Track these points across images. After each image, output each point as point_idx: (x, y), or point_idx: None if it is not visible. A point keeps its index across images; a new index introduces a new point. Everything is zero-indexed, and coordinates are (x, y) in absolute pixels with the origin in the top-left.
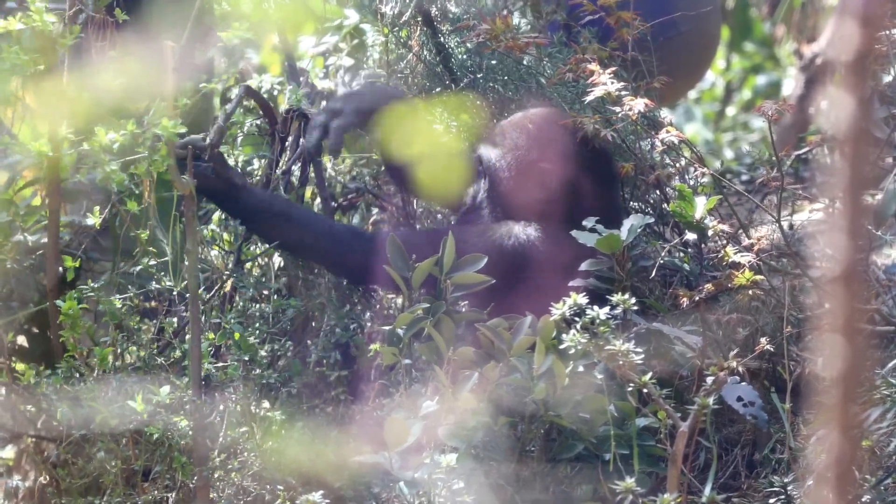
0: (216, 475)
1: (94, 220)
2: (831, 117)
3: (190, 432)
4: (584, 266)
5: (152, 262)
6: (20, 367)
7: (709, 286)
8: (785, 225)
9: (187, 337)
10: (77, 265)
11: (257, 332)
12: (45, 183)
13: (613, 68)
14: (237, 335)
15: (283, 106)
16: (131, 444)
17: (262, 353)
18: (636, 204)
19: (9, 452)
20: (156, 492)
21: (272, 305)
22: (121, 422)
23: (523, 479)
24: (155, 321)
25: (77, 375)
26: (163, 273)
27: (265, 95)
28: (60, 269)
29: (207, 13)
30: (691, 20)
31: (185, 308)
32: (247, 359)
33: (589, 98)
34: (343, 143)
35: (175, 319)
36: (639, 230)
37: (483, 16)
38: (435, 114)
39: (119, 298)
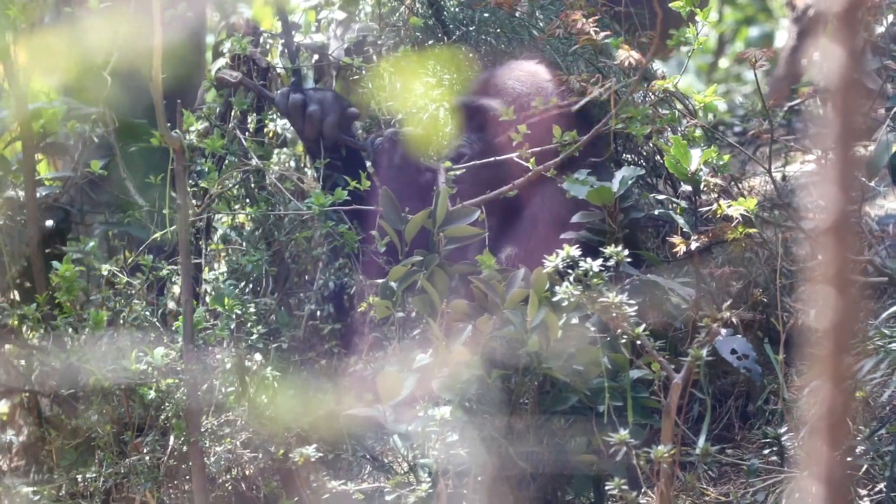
0: (208, 439)
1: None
2: (823, 69)
3: (183, 392)
4: (575, 218)
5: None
6: (14, 321)
7: (703, 237)
8: (778, 176)
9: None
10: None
11: (246, 287)
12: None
13: (596, 16)
14: (226, 295)
15: (275, 60)
16: (125, 401)
17: (252, 308)
18: (629, 156)
19: (2, 407)
20: (147, 456)
21: (254, 263)
22: (113, 381)
23: (517, 432)
24: (146, 276)
25: (70, 332)
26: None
27: (258, 50)
28: (50, 222)
29: None
30: None
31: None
32: (237, 313)
33: (573, 48)
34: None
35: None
36: (630, 182)
37: None
38: (427, 67)
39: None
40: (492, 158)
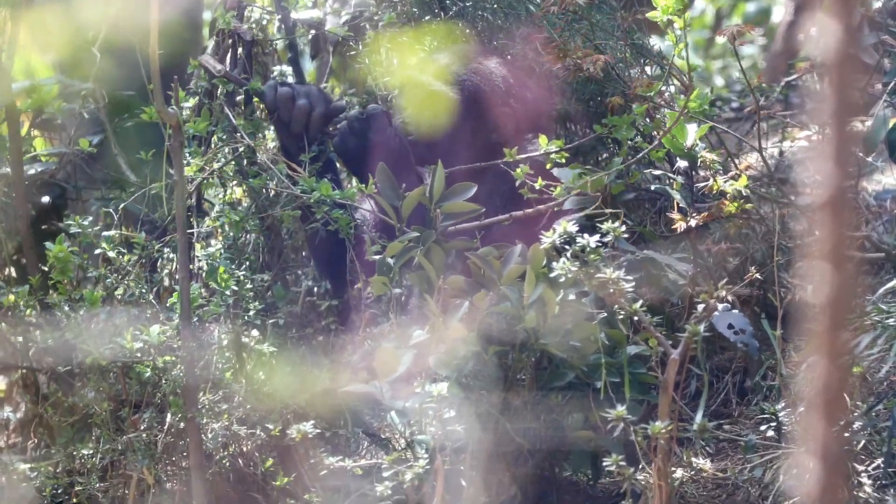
0: (205, 415)
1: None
2: (820, 44)
3: (180, 369)
4: (567, 205)
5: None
6: (11, 297)
7: (700, 217)
8: (775, 152)
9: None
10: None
11: (245, 263)
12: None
13: None
14: (221, 269)
15: (270, 35)
16: (121, 377)
17: (248, 285)
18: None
19: (0, 384)
20: (144, 433)
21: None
22: (110, 359)
23: (514, 408)
24: (142, 254)
25: (66, 309)
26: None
27: (253, 26)
28: (46, 198)
29: None
30: None
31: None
32: (232, 290)
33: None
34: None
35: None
36: (621, 165)
37: None
38: (424, 43)
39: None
40: (490, 162)
